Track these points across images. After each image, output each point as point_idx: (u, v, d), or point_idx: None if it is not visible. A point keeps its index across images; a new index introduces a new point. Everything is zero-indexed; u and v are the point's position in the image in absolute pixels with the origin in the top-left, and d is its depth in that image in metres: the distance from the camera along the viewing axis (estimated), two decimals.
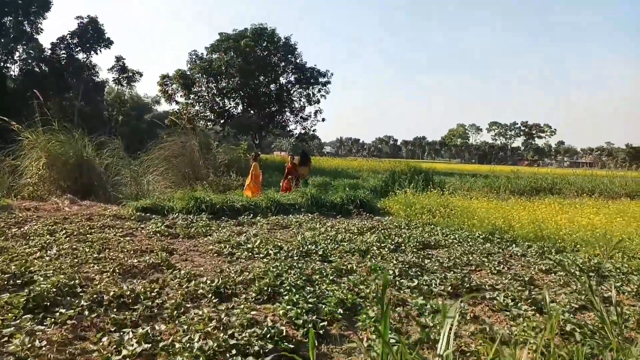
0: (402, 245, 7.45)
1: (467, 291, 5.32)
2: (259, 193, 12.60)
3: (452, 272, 5.99)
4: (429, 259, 6.62)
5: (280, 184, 14.10)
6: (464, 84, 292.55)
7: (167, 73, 38.23)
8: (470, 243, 7.66)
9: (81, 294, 4.59)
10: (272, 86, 40.73)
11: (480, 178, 20.26)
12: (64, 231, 7.66)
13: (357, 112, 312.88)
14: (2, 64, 34.62)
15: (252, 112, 39.74)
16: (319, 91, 41.42)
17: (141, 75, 44.88)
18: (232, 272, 5.59)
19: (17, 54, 35.81)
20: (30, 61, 35.68)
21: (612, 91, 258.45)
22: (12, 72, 35.94)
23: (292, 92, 41.25)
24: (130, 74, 43.14)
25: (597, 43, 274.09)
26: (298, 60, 40.74)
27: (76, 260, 5.91)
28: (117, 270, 5.50)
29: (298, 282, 5.11)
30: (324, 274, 5.67)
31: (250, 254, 6.66)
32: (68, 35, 36.54)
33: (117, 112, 47.98)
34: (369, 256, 6.77)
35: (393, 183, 16.27)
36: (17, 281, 4.82)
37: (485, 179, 19.31)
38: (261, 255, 6.60)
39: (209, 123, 39.53)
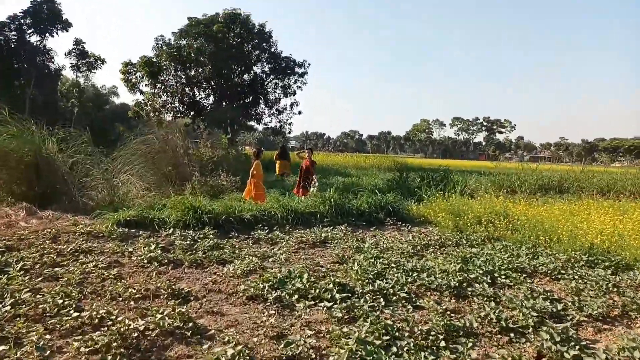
0: (494, 273, 5.56)
1: None
2: (264, 199, 10.46)
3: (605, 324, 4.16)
4: (552, 301, 4.75)
5: (295, 186, 11.89)
6: (429, 79, 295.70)
7: (129, 60, 34.96)
8: (580, 271, 5.84)
9: None
10: (246, 76, 38.06)
11: (483, 176, 18.79)
12: (20, 263, 5.35)
13: (323, 106, 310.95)
14: None
15: (224, 103, 36.97)
16: (295, 82, 39.02)
17: (103, 62, 41.08)
18: (302, 342, 3.53)
19: None
20: None
21: (569, 89, 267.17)
22: None
23: (266, 82, 38.70)
24: (91, 59, 39.24)
25: (559, 40, 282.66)
26: (273, 49, 38.22)
27: (42, 330, 3.71)
28: (116, 350, 3.33)
29: None
30: (435, 335, 3.72)
31: (303, 298, 4.60)
32: (20, 15, 32.53)
33: (72, 103, 43.86)
34: (470, 296, 4.85)
35: (401, 184, 14.42)
36: None
37: (491, 177, 17.82)
38: (321, 297, 4.57)
39: (177, 115, 36.50)
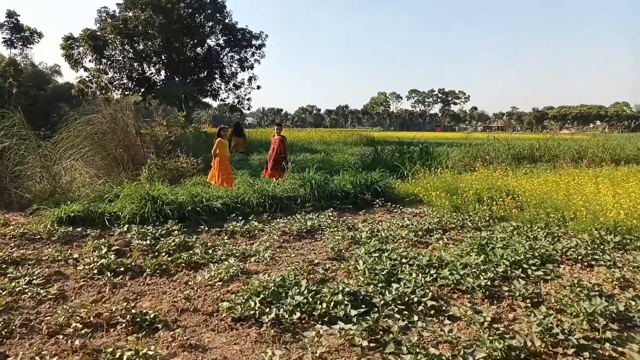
0: (521, 263, 4.69)
1: None
2: (232, 182, 9.24)
3: None
4: (607, 298, 3.92)
5: (265, 167, 10.61)
6: (386, 53, 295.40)
7: (71, 34, 31.95)
8: (614, 255, 5.06)
9: None
10: (199, 49, 35.77)
11: (455, 147, 18.11)
12: None
13: (279, 82, 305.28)
14: None
15: (177, 79, 34.66)
16: (252, 55, 37.07)
17: (40, 35, 37.42)
18: None
19: None
20: None
21: (518, 57, 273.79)
22: None
23: (222, 56, 36.55)
24: (26, 33, 35.58)
25: (506, 12, 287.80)
26: (227, 20, 36.00)
27: None
28: None
29: None
30: None
31: (308, 316, 3.56)
32: None
33: (10, 83, 39.92)
34: (506, 297, 3.96)
35: (378, 159, 13.49)
36: None
37: (464, 148, 17.16)
38: (331, 315, 3.54)
39: (126, 92, 33.95)
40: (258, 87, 37.98)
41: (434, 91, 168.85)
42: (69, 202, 6.87)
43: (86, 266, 4.70)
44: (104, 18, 32.46)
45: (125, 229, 6.08)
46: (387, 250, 5.10)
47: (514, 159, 17.49)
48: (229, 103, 37.78)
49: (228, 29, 35.93)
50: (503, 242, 5.41)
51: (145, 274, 4.70)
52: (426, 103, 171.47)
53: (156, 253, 5.26)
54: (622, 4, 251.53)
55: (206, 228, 6.37)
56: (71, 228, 6.02)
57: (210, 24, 35.31)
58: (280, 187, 7.93)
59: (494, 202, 7.00)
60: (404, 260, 4.76)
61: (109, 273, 4.56)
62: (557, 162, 16.75)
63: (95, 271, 4.62)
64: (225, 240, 5.79)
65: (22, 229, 5.90)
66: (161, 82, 34.70)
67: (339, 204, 7.85)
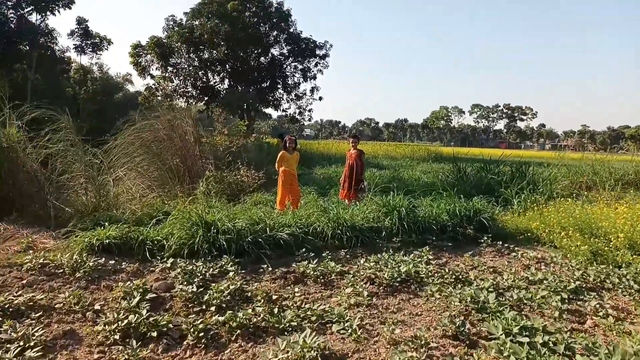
0: None
1: None
2: (284, 205, 7.82)
3: None
4: None
5: (340, 186, 9.14)
6: (449, 66, 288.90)
7: (139, 42, 32.42)
8: None
9: None
10: (263, 58, 35.29)
11: (545, 168, 15.69)
12: None
13: (338, 94, 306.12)
14: None
15: (240, 88, 34.27)
16: (316, 65, 36.13)
17: (110, 42, 38.40)
18: None
19: None
20: None
21: (591, 73, 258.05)
22: None
23: (285, 65, 35.88)
24: (96, 39, 36.58)
25: (578, 32, 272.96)
26: (292, 30, 35.32)
27: None
28: None
29: None
30: None
31: None
32: None
33: (83, 90, 41.30)
34: None
35: (462, 181, 11.61)
36: None
37: (558, 170, 14.84)
38: None
39: (190, 100, 33.96)
40: (320, 98, 36.99)
41: (499, 106, 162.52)
42: (106, 222, 5.68)
43: (107, 326, 3.37)
44: (171, 26, 32.72)
45: (169, 264, 4.76)
46: (536, 331, 3.39)
47: (618, 184, 14.89)
48: (290, 114, 36.93)
49: (292, 38, 35.23)
50: None
51: (185, 342, 3.31)
52: (490, 118, 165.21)
53: (204, 306, 3.87)
54: None
55: (269, 268, 4.93)
56: (103, 259, 4.77)
57: (274, 33, 34.78)
58: (360, 214, 6.37)
59: None
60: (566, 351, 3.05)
61: (134, 341, 3.20)
62: None
63: (118, 336, 3.27)
64: (295, 291, 4.31)
65: (43, 257, 4.72)
66: (224, 91, 34.44)
67: (434, 239, 6.18)
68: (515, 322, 3.47)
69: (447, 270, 4.89)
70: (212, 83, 34.77)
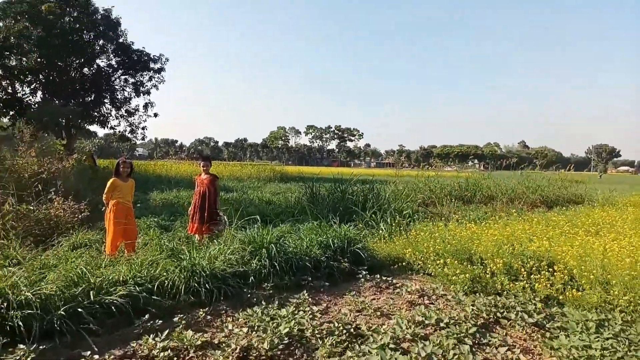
0: None
1: None
2: (114, 248, 6.13)
3: None
4: None
5: (189, 219, 7.57)
6: (285, 87, 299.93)
7: None
8: None
9: None
10: (87, 69, 31.11)
11: (387, 185, 16.22)
12: None
13: (174, 111, 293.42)
14: None
15: (57, 101, 29.49)
16: (150, 79, 33.19)
17: None
18: None
19: None
20: None
21: (404, 99, 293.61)
22: None
23: (113, 78, 32.18)
24: None
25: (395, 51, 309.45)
26: (122, 40, 31.94)
27: None
28: None
29: None
30: None
31: None
32: None
33: None
34: None
35: (316, 202, 11.15)
36: None
37: (400, 186, 15.47)
38: None
39: None
40: (155, 115, 34.06)
41: (331, 127, 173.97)
42: None
43: None
44: None
45: None
46: None
47: (449, 199, 16.13)
48: (119, 131, 33.16)
49: (122, 49, 31.84)
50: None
51: None
52: (324, 139, 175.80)
53: None
54: (482, 60, 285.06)
55: (96, 349, 3.43)
56: None
57: (101, 42, 31.00)
58: (221, 256, 5.14)
59: (538, 276, 4.96)
60: None
61: None
62: (494, 203, 15.82)
63: None
64: None
65: None
66: (36, 104, 29.31)
67: (309, 279, 5.28)
68: None
69: (336, 325, 4.01)
70: (21, 95, 29.31)
